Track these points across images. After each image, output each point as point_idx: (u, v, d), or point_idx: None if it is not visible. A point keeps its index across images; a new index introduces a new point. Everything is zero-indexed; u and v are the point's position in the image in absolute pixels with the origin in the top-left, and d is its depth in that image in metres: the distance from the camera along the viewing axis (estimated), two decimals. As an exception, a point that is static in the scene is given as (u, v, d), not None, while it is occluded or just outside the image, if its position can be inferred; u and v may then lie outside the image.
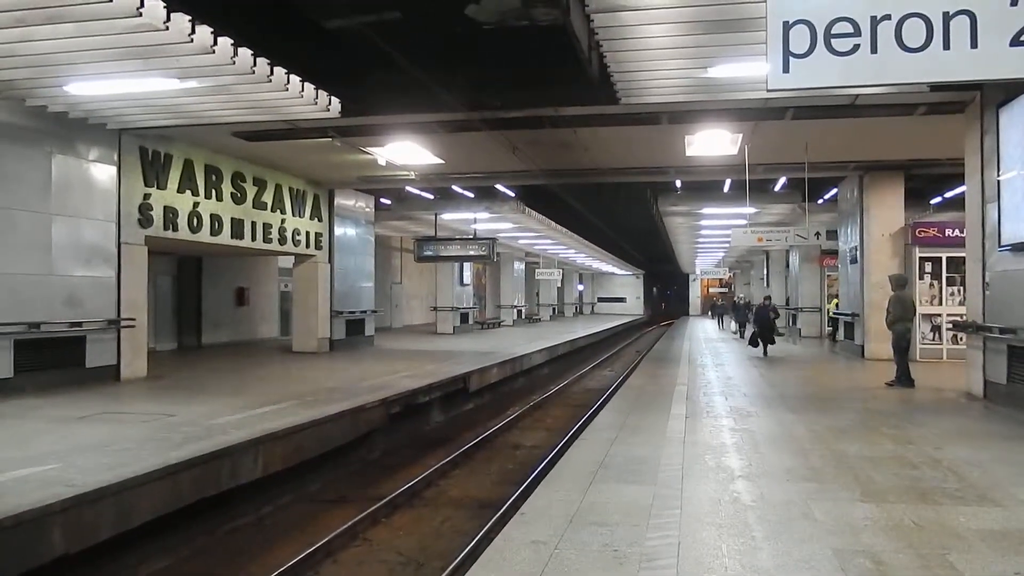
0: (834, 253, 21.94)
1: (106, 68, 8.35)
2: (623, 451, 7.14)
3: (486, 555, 4.32)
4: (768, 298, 22.09)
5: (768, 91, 4.71)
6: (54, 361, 11.08)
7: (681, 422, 8.68)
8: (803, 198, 16.49)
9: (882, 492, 5.60)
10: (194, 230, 14.13)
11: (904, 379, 11.81)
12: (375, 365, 15.54)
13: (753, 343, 18.90)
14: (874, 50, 4.42)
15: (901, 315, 12.03)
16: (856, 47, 4.43)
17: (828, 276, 26.13)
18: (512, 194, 22.97)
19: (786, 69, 4.49)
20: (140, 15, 6.77)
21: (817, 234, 16.24)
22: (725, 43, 8.10)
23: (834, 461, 6.67)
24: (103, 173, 12.10)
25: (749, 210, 20.67)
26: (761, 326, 18.94)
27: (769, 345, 18.64)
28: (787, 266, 30.44)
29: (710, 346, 22.95)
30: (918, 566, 4.09)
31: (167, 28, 7.09)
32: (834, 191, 20.39)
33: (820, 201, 22.26)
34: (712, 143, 13.28)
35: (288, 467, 8.34)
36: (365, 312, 20.92)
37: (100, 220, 12.04)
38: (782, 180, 20.57)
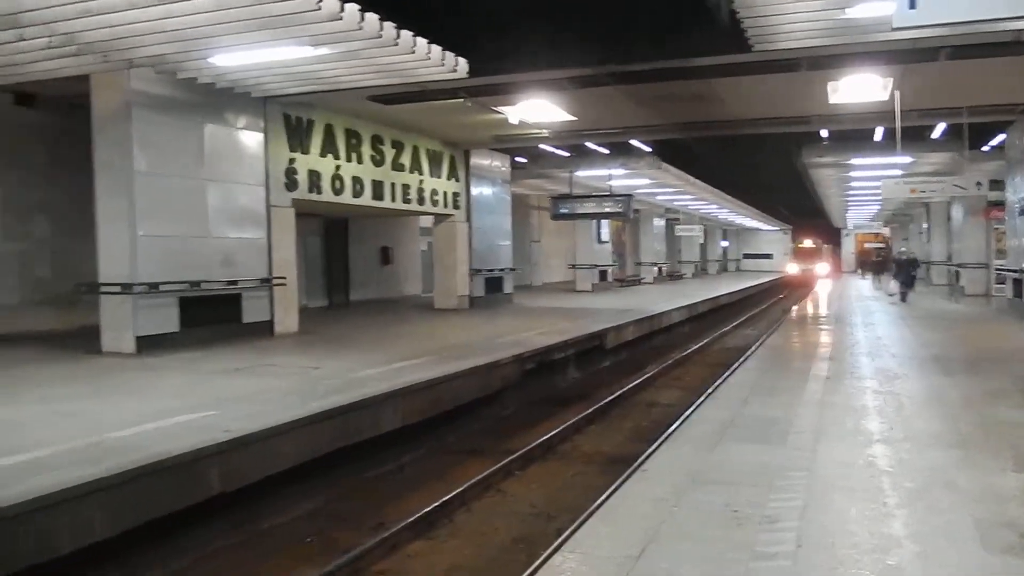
0: (1002, 204, 20.24)
1: (244, 39, 8.73)
2: (754, 411, 6.97)
3: (604, 509, 4.34)
4: (902, 251, 20.90)
5: (893, 29, 4.36)
6: (214, 317, 11.88)
7: (820, 383, 8.35)
8: (964, 146, 15.25)
9: (1036, 461, 5.21)
10: (337, 192, 14.72)
11: (1076, 340, 10.86)
12: (512, 322, 15.77)
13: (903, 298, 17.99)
14: (1011, -23, 3.99)
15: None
16: None
17: (995, 229, 24.15)
18: (648, 149, 22.51)
19: (912, 4, 4.13)
20: (272, -15, 7.04)
21: (979, 184, 15.03)
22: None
23: (986, 427, 6.24)
24: (251, 140, 12.77)
25: (903, 159, 19.40)
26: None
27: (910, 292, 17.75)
28: (948, 219, 28.40)
29: (861, 304, 21.83)
30: (1070, 541, 3.80)
31: (296, -3, 7.34)
32: (1003, 137, 18.74)
33: (986, 148, 20.52)
34: (858, 89, 12.43)
35: (425, 419, 8.65)
36: (503, 270, 21.20)
37: (250, 184, 12.74)
38: (941, 126, 19.06)
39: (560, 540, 3.92)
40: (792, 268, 55.19)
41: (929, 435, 6.01)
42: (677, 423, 6.77)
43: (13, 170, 12.58)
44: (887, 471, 4.99)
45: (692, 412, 7.13)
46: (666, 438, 6.13)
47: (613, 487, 4.79)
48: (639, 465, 5.29)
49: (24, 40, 8.09)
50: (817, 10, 8.59)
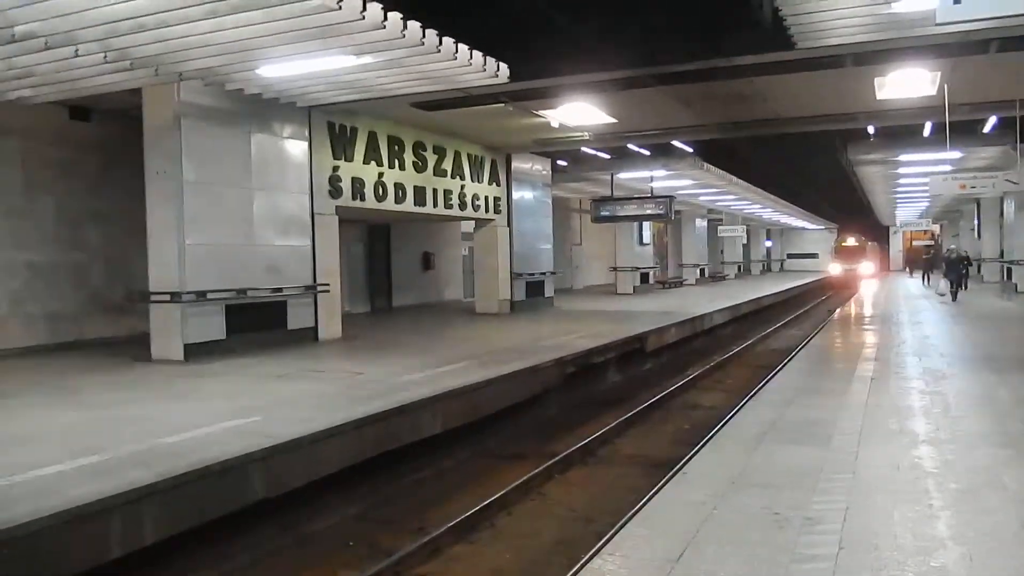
0: (1056, 199, 19.74)
1: (291, 50, 8.90)
2: (797, 413, 6.91)
3: (643, 512, 4.36)
4: (951, 249, 20.46)
5: (936, 24, 4.30)
6: (259, 324, 12.10)
7: (865, 384, 8.24)
8: (1016, 139, 14.88)
9: (1090, 462, 5.09)
10: (380, 199, 14.90)
11: None
12: (553, 325, 15.80)
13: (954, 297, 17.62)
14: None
15: None
16: None
17: (1051, 225, 23.51)
18: (690, 150, 22.36)
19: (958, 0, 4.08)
20: (317, -3, 7.18)
21: (1031, 179, 14.62)
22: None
23: (1037, 428, 6.12)
24: (296, 148, 12.99)
25: (953, 155, 18.98)
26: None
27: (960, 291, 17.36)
28: (1001, 215, 27.69)
29: (909, 303, 21.43)
30: (1122, 543, 3.71)
31: (340, 7, 7.45)
32: (1057, 129, 18.25)
33: (1039, 142, 20.00)
34: (905, 84, 12.25)
35: (467, 423, 8.72)
36: (544, 274, 21.23)
37: (295, 192, 12.96)
38: (992, 120, 18.63)
39: (601, 543, 3.94)
40: (834, 268, 49.93)
41: (977, 435, 5.90)
42: (719, 425, 6.73)
43: (68, 181, 12.96)
44: (932, 472, 4.92)
45: (734, 414, 7.08)
46: (707, 440, 6.10)
47: (653, 490, 4.78)
48: (679, 468, 5.27)
49: (79, 56, 8.36)
50: (861, 5, 8.47)
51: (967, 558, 3.58)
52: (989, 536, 3.83)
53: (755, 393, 8.29)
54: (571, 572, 3.64)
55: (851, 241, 51.48)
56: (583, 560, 3.74)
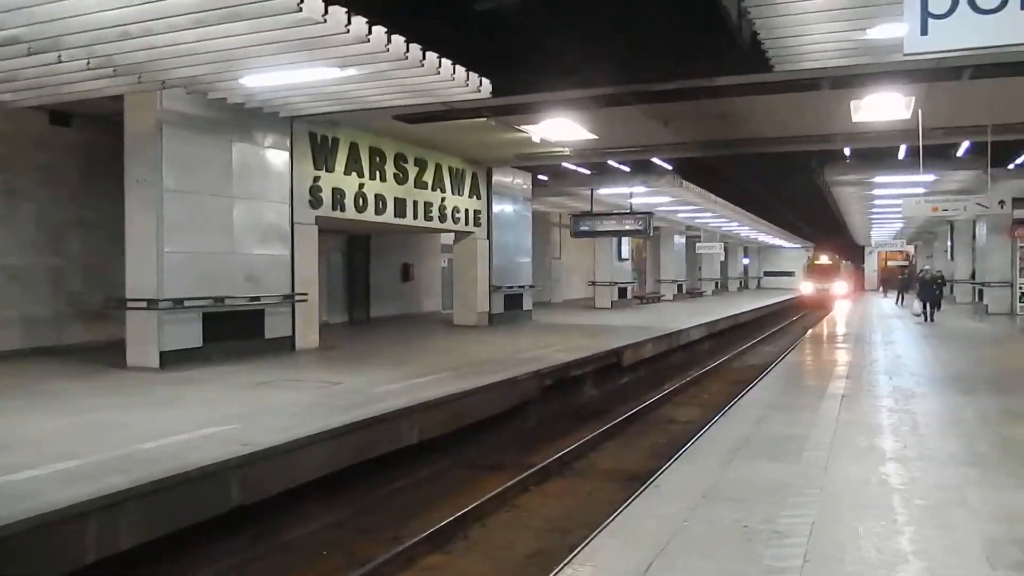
0: (1027, 223, 20.17)
1: (275, 61, 8.96)
2: (770, 429, 7.02)
3: (615, 524, 4.43)
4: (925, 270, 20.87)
5: (904, 55, 4.45)
6: (237, 332, 12.08)
7: (836, 401, 8.39)
8: (987, 164, 15.22)
9: (1051, 480, 5.23)
10: (360, 210, 14.93)
11: (1100, 360, 10.80)
12: (531, 338, 15.87)
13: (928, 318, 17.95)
14: (1024, 4, 4.05)
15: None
16: (1004, 2, 4.08)
17: (1021, 248, 23.96)
18: (669, 167, 22.59)
19: (924, 31, 4.22)
20: (301, 10, 7.23)
21: (1001, 203, 15.00)
22: (881, 2, 7.62)
23: (1003, 446, 6.27)
24: (277, 158, 13.01)
25: (926, 178, 19.31)
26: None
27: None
28: (973, 237, 28.19)
29: (883, 323, 21.73)
30: (1077, 559, 3.83)
31: (325, 21, 7.53)
32: (1028, 155, 18.70)
33: (1012, 166, 20.43)
34: (881, 108, 12.49)
35: (444, 434, 8.76)
36: (523, 287, 21.33)
37: (275, 202, 12.97)
38: (965, 144, 19.02)
39: (572, 554, 4.00)
40: (806, 288, 46.09)
41: (944, 454, 6.04)
42: (693, 439, 6.83)
43: (48, 187, 12.90)
44: (899, 489, 5.03)
45: (708, 429, 7.18)
46: (681, 454, 6.19)
47: (626, 503, 4.86)
48: (652, 481, 5.35)
49: (63, 62, 8.37)
50: (837, 31, 8.67)
51: (929, 572, 3.69)
52: (951, 552, 3.93)
53: (729, 409, 8.40)
54: (544, 582, 3.70)
55: (824, 259, 48.22)
56: (554, 572, 3.79)
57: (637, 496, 5.03)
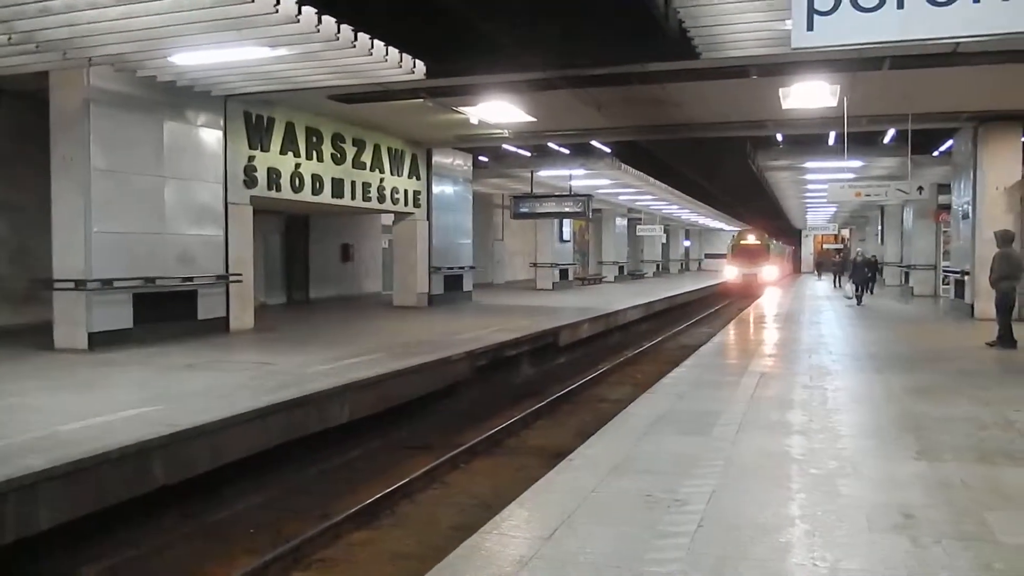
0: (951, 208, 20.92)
1: (203, 39, 8.89)
2: (688, 405, 7.29)
3: (525, 496, 4.61)
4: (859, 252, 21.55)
5: (792, 49, 4.68)
6: (169, 314, 11.96)
7: (755, 379, 8.71)
8: (908, 151, 15.79)
9: (940, 451, 5.56)
10: (296, 190, 14.85)
11: (1006, 340, 11.35)
12: (469, 319, 16.01)
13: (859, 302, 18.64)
14: (900, 5, 4.31)
15: (1007, 273, 11.51)
16: (882, 2, 4.33)
17: (944, 232, 24.90)
18: (608, 150, 22.86)
19: (810, 27, 4.46)
20: (228, -12, 7.24)
21: (920, 188, 15.51)
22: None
23: (902, 421, 6.61)
24: (210, 137, 12.86)
25: (854, 163, 19.96)
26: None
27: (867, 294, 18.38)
28: (902, 222, 29.15)
29: (814, 304, 22.42)
30: (948, 521, 4.13)
31: (253, 1, 7.52)
32: (951, 143, 19.37)
33: (936, 153, 21.16)
34: (809, 96, 12.83)
35: (375, 414, 8.87)
36: (463, 268, 21.44)
37: (208, 182, 12.83)
38: (891, 132, 19.68)
39: (485, 524, 4.17)
40: (730, 272, 39.88)
41: (846, 427, 6.36)
42: (614, 417, 7.06)
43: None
44: (798, 459, 5.32)
45: (629, 407, 7.42)
46: (599, 431, 6.41)
47: (540, 478, 5.05)
48: (569, 456, 5.55)
49: (-19, 38, 8.20)
50: (758, 21, 8.93)
51: (811, 535, 3.94)
52: (834, 516, 4.20)
53: (653, 386, 8.67)
54: (456, 550, 3.85)
55: (751, 239, 40.80)
56: (466, 540, 3.95)
57: (552, 471, 5.21)
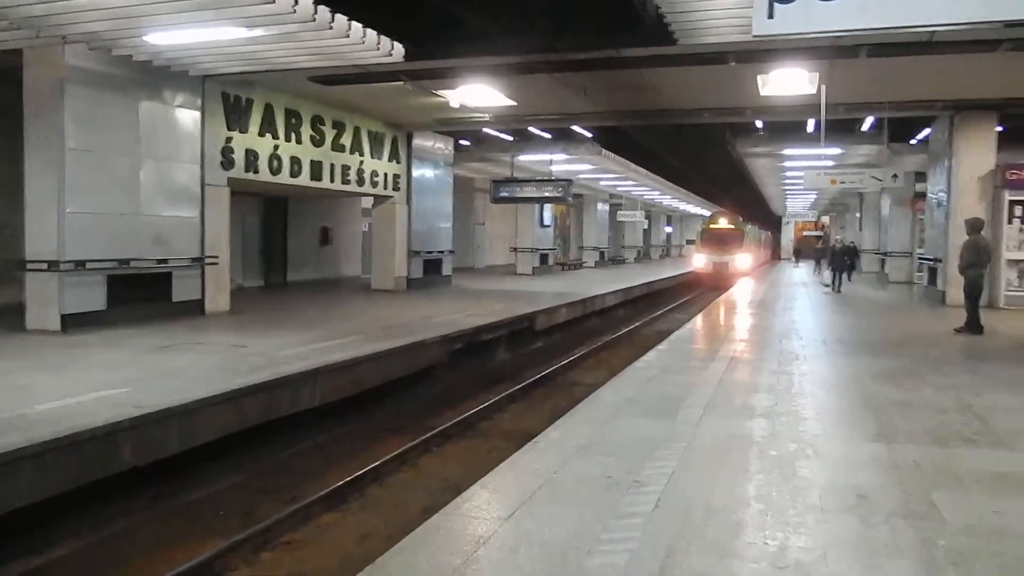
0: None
1: (180, 19, 8.81)
2: (656, 389, 7.38)
3: (487, 477, 4.69)
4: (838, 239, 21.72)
5: (753, 36, 4.73)
6: (143, 295, 11.91)
7: (724, 363, 8.82)
8: (885, 139, 15.95)
9: (896, 434, 5.69)
10: (274, 172, 14.79)
11: (973, 326, 11.54)
12: (447, 303, 16.04)
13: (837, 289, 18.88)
14: (860, -9, 4.37)
15: (975, 260, 11.69)
16: None
17: (920, 220, 25.16)
18: (589, 135, 22.88)
19: (771, 15, 4.51)
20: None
21: (895, 176, 15.68)
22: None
23: (863, 404, 6.74)
24: (188, 118, 12.77)
25: (833, 151, 20.10)
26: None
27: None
28: (879, 210, 29.44)
29: (790, 291, 22.62)
30: (897, 501, 4.24)
31: (228, -20, 7.49)
32: (928, 131, 19.55)
33: (913, 141, 21.38)
34: (787, 83, 12.92)
35: (347, 397, 8.91)
36: (443, 252, 21.45)
37: (185, 163, 12.76)
38: (870, 120, 19.83)
39: (447, 507, 4.23)
40: (699, 261, 34.49)
41: (809, 410, 6.47)
42: (583, 400, 7.14)
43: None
44: (758, 442, 5.42)
45: (598, 391, 7.51)
46: (566, 414, 6.49)
47: (505, 460, 5.12)
48: (534, 439, 5.63)
49: (-48, 14, 8.10)
50: (734, 7, 8.96)
51: (764, 514, 4.04)
52: (788, 495, 4.30)
53: (624, 371, 8.76)
54: (415, 530, 3.91)
55: (723, 223, 35.53)
56: (424, 522, 4.02)
57: (517, 453, 5.28)
